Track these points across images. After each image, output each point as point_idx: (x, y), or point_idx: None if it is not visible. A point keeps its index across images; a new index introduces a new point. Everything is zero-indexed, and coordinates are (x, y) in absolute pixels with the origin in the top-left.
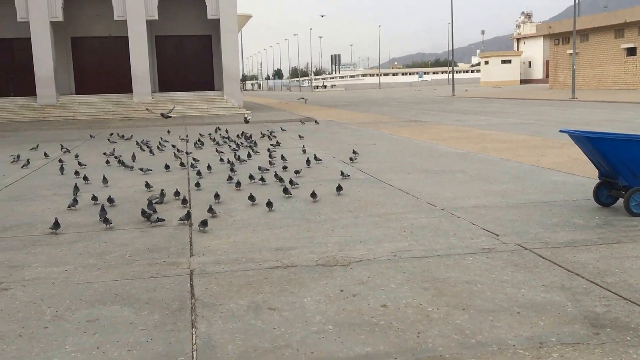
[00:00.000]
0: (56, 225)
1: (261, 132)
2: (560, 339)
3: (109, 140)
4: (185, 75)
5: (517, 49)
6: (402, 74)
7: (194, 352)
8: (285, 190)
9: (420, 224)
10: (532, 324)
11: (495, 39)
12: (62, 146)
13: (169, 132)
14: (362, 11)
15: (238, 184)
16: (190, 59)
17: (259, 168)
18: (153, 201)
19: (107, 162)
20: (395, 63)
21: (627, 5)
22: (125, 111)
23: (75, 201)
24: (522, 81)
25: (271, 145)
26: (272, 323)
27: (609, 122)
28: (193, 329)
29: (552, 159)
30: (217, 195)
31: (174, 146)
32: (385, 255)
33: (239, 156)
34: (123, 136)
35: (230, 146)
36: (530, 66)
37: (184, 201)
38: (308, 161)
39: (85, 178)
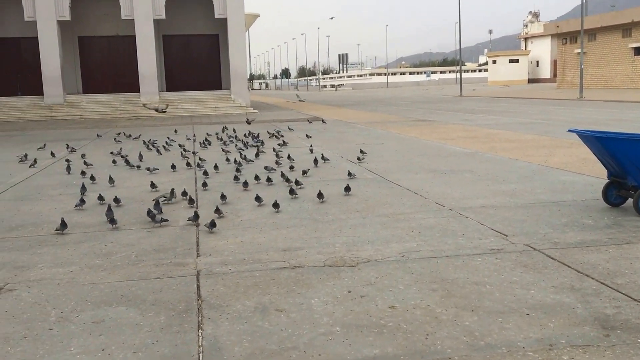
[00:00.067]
0: (63, 225)
1: (268, 132)
2: (570, 341)
3: (115, 139)
4: (192, 74)
5: (525, 49)
6: (410, 74)
7: (200, 354)
8: (292, 192)
9: (429, 224)
10: (541, 325)
11: (503, 39)
12: (67, 145)
13: (176, 131)
14: (369, 10)
15: (245, 184)
16: (197, 58)
17: (266, 168)
18: (161, 201)
19: (114, 161)
20: (403, 62)
21: (635, 4)
22: (133, 110)
23: (82, 201)
24: (530, 80)
25: (278, 144)
26: (279, 324)
27: (617, 121)
28: (199, 331)
29: (561, 159)
30: (223, 196)
31: (180, 145)
32: (393, 255)
33: (245, 156)
34: (130, 135)
35: (236, 145)
36: (537, 65)
37: (191, 201)
38: (315, 161)
39: (92, 178)
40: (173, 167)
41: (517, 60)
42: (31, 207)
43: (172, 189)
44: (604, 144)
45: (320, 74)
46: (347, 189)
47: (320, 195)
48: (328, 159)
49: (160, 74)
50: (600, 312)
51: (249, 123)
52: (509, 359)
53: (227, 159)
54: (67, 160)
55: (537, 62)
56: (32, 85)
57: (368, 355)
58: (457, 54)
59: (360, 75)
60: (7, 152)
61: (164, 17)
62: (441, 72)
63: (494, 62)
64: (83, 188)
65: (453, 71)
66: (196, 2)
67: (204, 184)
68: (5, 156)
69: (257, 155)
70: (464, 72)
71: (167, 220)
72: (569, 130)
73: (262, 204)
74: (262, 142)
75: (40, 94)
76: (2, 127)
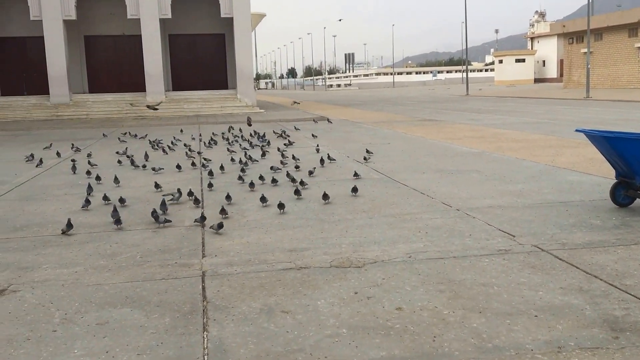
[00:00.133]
0: (69, 226)
1: (274, 131)
2: (579, 343)
3: (119, 139)
4: (198, 74)
5: (531, 48)
6: (416, 73)
7: (205, 357)
8: (297, 192)
9: (435, 225)
10: (550, 327)
11: (509, 38)
12: (72, 145)
13: (181, 131)
14: (375, 10)
15: (251, 184)
16: (203, 58)
17: (272, 168)
18: (167, 200)
19: (119, 161)
20: (409, 62)
21: None
22: (139, 110)
23: (87, 201)
24: (536, 80)
25: (284, 144)
26: (285, 326)
27: (625, 121)
28: (204, 333)
29: (568, 159)
30: (228, 197)
31: (186, 145)
32: (400, 256)
33: (250, 156)
34: (136, 135)
35: (240, 145)
36: (544, 65)
37: (196, 201)
38: (322, 160)
39: (97, 178)
40: (178, 167)
41: (523, 60)
42: (36, 207)
43: (179, 189)
44: (612, 144)
45: (327, 73)
46: (355, 189)
47: (325, 196)
48: (334, 159)
49: (166, 74)
50: (609, 313)
51: (250, 125)
52: None
53: (232, 159)
54: (73, 160)
55: (544, 61)
56: (38, 84)
57: (375, 358)
58: (463, 53)
59: (367, 75)
60: (13, 152)
61: (169, 16)
62: (447, 72)
63: (501, 61)
64: (89, 188)
65: (459, 71)
66: (202, 2)
67: (210, 185)
68: (10, 156)
69: (263, 155)
70: (471, 71)
71: (171, 221)
72: (577, 130)
73: (267, 205)
74: (268, 141)
75: (46, 93)
76: (8, 126)
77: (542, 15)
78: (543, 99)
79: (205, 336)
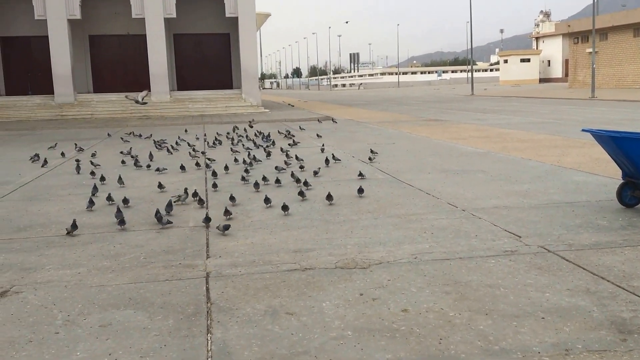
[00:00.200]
0: (74, 227)
1: (279, 131)
2: (586, 345)
3: (122, 139)
4: (203, 73)
5: (536, 48)
6: (421, 73)
7: (209, 359)
8: (301, 194)
9: (441, 225)
10: (557, 329)
11: (514, 38)
12: (76, 145)
13: (186, 131)
14: (380, 10)
15: (256, 185)
16: (208, 58)
17: (276, 168)
18: (173, 201)
19: (123, 162)
20: (414, 62)
21: None
22: (144, 109)
23: (91, 202)
24: (541, 80)
25: (289, 144)
26: (290, 328)
27: (630, 121)
28: (208, 335)
29: (574, 159)
30: (232, 198)
31: (189, 145)
32: (406, 257)
33: (254, 156)
34: (140, 135)
35: (244, 145)
36: (549, 65)
37: (201, 201)
38: (327, 160)
39: (102, 178)
40: (182, 167)
41: (528, 60)
42: (40, 207)
43: (186, 189)
44: (618, 144)
45: (332, 73)
46: (360, 190)
47: (329, 197)
48: (339, 159)
49: (171, 73)
50: (616, 315)
51: (251, 126)
52: None
53: (236, 159)
54: (77, 161)
55: (549, 61)
56: (42, 84)
57: None
58: (468, 53)
59: (372, 75)
60: (17, 152)
61: (174, 15)
62: (452, 72)
63: (506, 61)
64: (94, 189)
65: (464, 70)
66: (207, 1)
67: (214, 185)
68: (15, 156)
69: (268, 155)
70: (476, 71)
71: (172, 223)
72: (583, 130)
73: (271, 205)
74: (273, 142)
75: (50, 93)
76: (12, 126)
77: (547, 15)
78: (548, 98)
79: (209, 338)
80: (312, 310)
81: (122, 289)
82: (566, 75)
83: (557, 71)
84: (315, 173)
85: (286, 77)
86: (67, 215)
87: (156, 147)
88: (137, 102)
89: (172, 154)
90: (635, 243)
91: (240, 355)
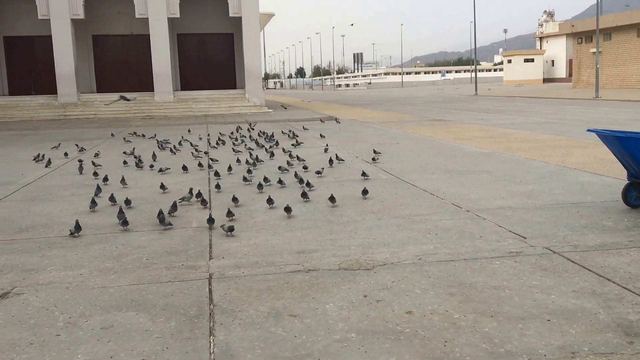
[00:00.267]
0: (77, 228)
1: (282, 131)
2: (592, 348)
3: (124, 139)
4: (206, 73)
5: (540, 48)
6: (425, 73)
7: None
8: (304, 195)
9: (445, 226)
10: (563, 332)
11: (518, 38)
12: (77, 145)
13: (189, 131)
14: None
15: (260, 185)
16: (212, 57)
17: (280, 168)
18: (178, 202)
19: (125, 162)
20: (418, 62)
21: None
22: (148, 110)
23: (94, 202)
24: (545, 80)
25: (292, 145)
26: (293, 331)
27: (635, 121)
28: (211, 337)
29: (578, 159)
30: (235, 199)
31: (191, 144)
32: (410, 258)
33: (257, 156)
34: (144, 135)
35: (245, 145)
36: (553, 65)
37: (204, 202)
38: (331, 161)
39: (105, 178)
40: (184, 168)
41: (532, 60)
42: (42, 208)
43: (191, 189)
44: (623, 144)
45: (335, 73)
46: (365, 192)
47: (332, 199)
48: (343, 159)
49: (175, 73)
50: (623, 317)
51: (252, 128)
52: None
53: (238, 160)
54: (80, 161)
55: (553, 61)
56: (45, 84)
57: None
58: (472, 53)
59: (375, 75)
60: (20, 152)
61: (178, 15)
62: (456, 72)
63: (509, 61)
64: (98, 189)
65: (468, 70)
66: (211, 1)
67: (217, 186)
68: (18, 156)
69: (272, 155)
70: (479, 71)
71: (172, 225)
72: (588, 130)
73: (274, 206)
74: (277, 142)
75: (54, 93)
76: (15, 126)
77: (550, 15)
78: (552, 98)
79: (211, 341)
80: (316, 312)
81: (124, 290)
82: (570, 75)
83: (560, 71)
84: (319, 173)
85: (290, 77)
86: (70, 216)
87: (159, 147)
88: (122, 97)
89: (175, 154)
90: None
91: (243, 358)
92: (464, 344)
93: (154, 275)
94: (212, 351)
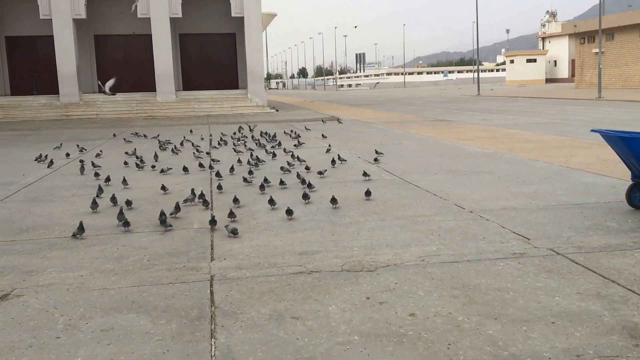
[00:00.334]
0: (80, 229)
1: (284, 132)
2: (598, 351)
3: (125, 140)
4: (209, 73)
5: (543, 48)
6: (427, 73)
7: None
8: (305, 196)
9: (449, 227)
10: (567, 334)
11: (520, 38)
12: (78, 146)
13: (191, 131)
14: (386, 10)
15: (262, 186)
16: (214, 58)
17: (282, 168)
18: (182, 204)
19: (125, 162)
20: (420, 62)
21: None
22: (150, 110)
23: (95, 203)
24: (548, 80)
25: (294, 145)
26: (295, 333)
27: (637, 121)
28: (212, 340)
29: (582, 160)
30: (236, 200)
31: (193, 144)
32: (413, 260)
33: (257, 157)
34: (145, 135)
35: (246, 146)
36: (555, 65)
37: (205, 203)
38: (333, 161)
39: (107, 179)
40: (185, 169)
41: (534, 60)
42: (43, 208)
43: (193, 190)
44: (628, 144)
45: (338, 73)
46: (368, 193)
47: (333, 200)
48: (345, 160)
49: (177, 73)
50: (628, 320)
51: (251, 130)
52: None
53: (239, 160)
54: (81, 161)
55: (555, 61)
56: (47, 84)
57: None
58: (474, 53)
59: (377, 75)
60: (22, 152)
61: (180, 15)
62: (458, 72)
63: (512, 61)
64: (99, 190)
65: (470, 71)
66: (213, 1)
67: (219, 187)
68: (19, 156)
69: (274, 156)
70: (482, 71)
71: (172, 227)
72: (592, 130)
73: (275, 207)
74: (279, 142)
75: (55, 93)
76: (17, 126)
77: (553, 15)
78: (555, 99)
79: (212, 343)
80: (318, 314)
81: (125, 292)
82: (572, 75)
83: (563, 71)
84: (321, 174)
85: (292, 77)
86: (71, 217)
87: (160, 147)
88: (104, 93)
89: (176, 154)
90: None
91: None
92: (468, 346)
93: (155, 276)
94: (213, 354)
